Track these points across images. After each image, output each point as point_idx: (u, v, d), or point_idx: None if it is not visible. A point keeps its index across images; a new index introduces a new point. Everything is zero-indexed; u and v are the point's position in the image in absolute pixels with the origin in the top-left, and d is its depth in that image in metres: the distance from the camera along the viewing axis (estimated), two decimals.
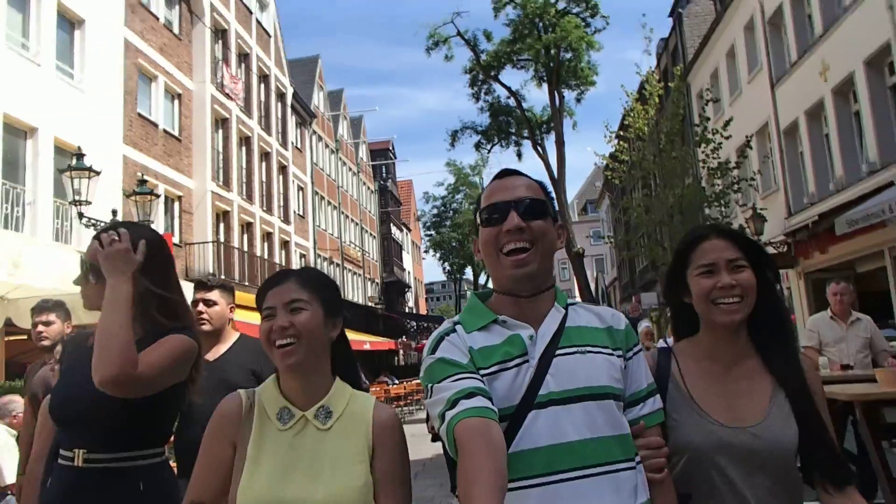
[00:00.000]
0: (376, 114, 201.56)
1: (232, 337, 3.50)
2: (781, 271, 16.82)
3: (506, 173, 1.70)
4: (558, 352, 1.54)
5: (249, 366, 3.27)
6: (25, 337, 8.21)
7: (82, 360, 2.08)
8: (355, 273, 38.10)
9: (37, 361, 4.59)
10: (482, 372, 1.51)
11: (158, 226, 16.01)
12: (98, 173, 9.80)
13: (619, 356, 1.60)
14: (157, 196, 12.28)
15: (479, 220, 1.67)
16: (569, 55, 28.00)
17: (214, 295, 3.47)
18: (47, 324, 4.37)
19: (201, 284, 3.52)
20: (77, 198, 9.62)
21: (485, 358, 1.53)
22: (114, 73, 16.15)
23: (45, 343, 4.29)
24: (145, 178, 11.96)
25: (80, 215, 9.74)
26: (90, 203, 9.77)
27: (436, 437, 1.85)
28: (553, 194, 1.73)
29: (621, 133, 18.93)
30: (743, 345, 1.78)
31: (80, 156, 9.77)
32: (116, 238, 2.05)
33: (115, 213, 10.56)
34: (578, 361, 1.53)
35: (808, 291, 18.24)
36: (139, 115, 17.17)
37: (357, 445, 1.63)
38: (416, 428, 19.30)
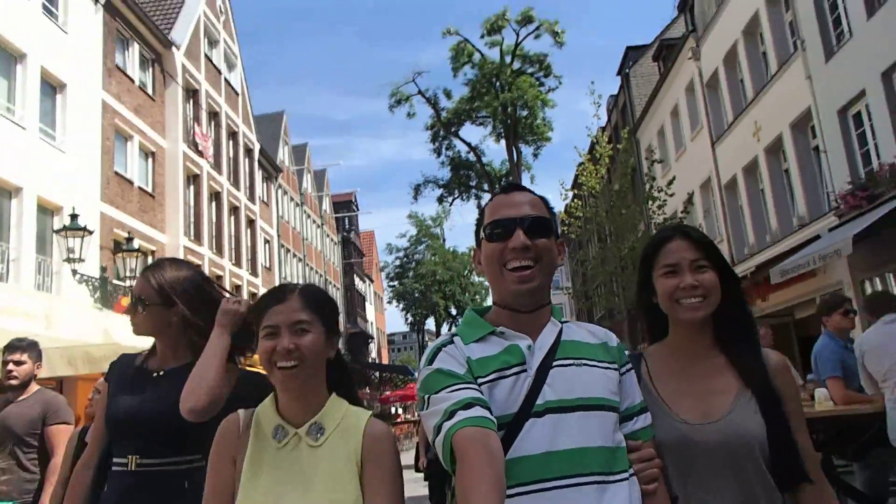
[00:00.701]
0: (334, 162, 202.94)
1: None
2: None
3: (511, 188, 1.72)
4: (555, 363, 1.56)
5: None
6: None
7: (137, 380, 2.43)
8: None
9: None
10: (480, 380, 1.53)
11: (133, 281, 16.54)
12: (91, 233, 10.49)
13: (615, 370, 1.63)
14: (144, 253, 12.93)
15: (482, 235, 1.67)
16: (525, 112, 29.52)
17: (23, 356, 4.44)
18: (18, 363, 4.48)
19: (10, 347, 4.47)
20: (71, 255, 10.27)
21: (483, 367, 1.55)
22: (92, 134, 16.83)
23: (13, 382, 4.38)
24: (131, 235, 12.59)
25: (74, 272, 10.38)
26: (83, 261, 10.42)
27: (422, 471, 2.08)
28: (555, 210, 1.73)
29: (575, 190, 20.22)
30: (709, 343, 1.82)
31: (73, 216, 10.48)
32: (238, 302, 2.37)
33: (104, 269, 11.18)
34: (575, 373, 1.55)
35: (774, 334, 19.48)
36: (116, 172, 17.82)
37: (348, 461, 1.64)
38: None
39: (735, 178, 19.24)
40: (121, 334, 5.88)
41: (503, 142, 29.89)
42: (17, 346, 4.49)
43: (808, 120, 15.06)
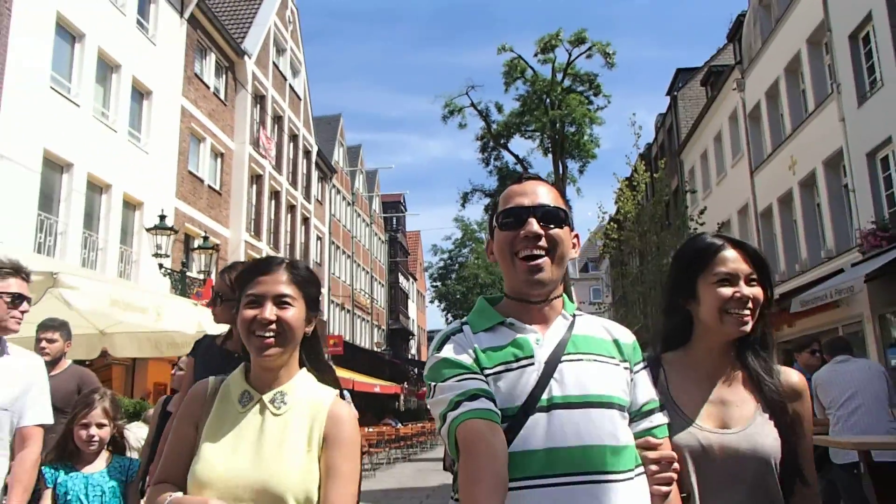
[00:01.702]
0: (384, 157, 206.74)
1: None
2: None
3: (526, 177, 1.70)
4: (564, 357, 1.54)
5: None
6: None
7: (220, 358, 2.78)
8: (364, 319, 40.11)
9: None
10: (486, 372, 1.52)
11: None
12: (176, 232, 11.98)
13: (626, 368, 1.60)
14: (217, 250, 14.42)
15: (495, 223, 1.66)
16: (573, 128, 30.42)
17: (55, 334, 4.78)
18: (51, 341, 4.81)
19: (43, 326, 4.81)
20: (158, 251, 11.79)
21: (489, 358, 1.54)
22: (171, 136, 18.49)
23: (46, 358, 4.43)
24: (206, 235, 14.08)
25: (160, 266, 11.88)
26: (168, 256, 11.92)
27: (449, 470, 1.91)
28: (570, 202, 1.69)
29: (614, 215, 21.30)
30: (732, 357, 1.81)
31: (162, 217, 11.98)
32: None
33: (184, 264, 12.67)
34: (584, 368, 1.53)
35: (779, 358, 20.17)
36: (189, 172, 19.48)
37: (308, 433, 1.66)
38: (422, 465, 21.09)
39: (770, 207, 19.97)
40: (207, 325, 7.17)
41: (550, 156, 30.83)
42: (49, 325, 4.84)
43: (839, 159, 15.80)
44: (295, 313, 1.69)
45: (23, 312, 2.85)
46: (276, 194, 26.02)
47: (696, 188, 23.61)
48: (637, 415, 1.59)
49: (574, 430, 1.45)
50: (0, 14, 12.30)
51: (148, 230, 12.28)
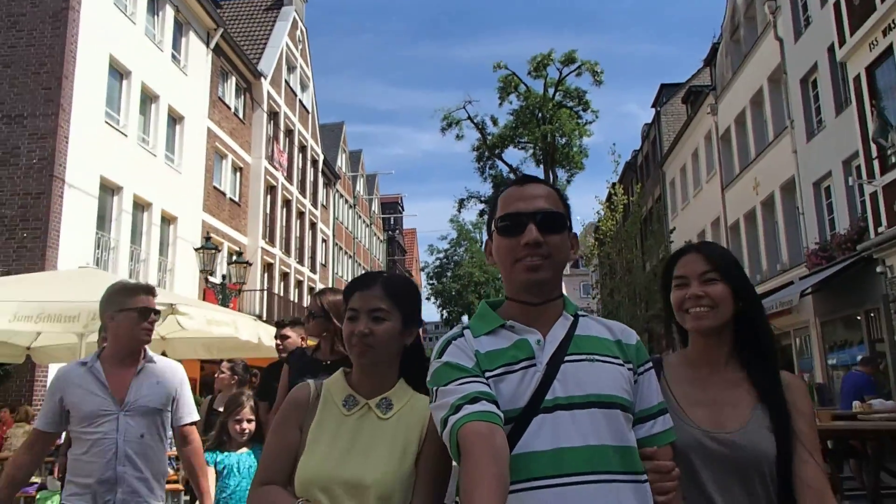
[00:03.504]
0: (377, 149, 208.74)
1: None
2: None
3: (525, 180, 1.68)
4: (566, 358, 1.53)
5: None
6: None
7: (313, 367, 3.19)
8: None
9: None
10: (487, 374, 1.51)
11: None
12: (219, 251, 14.06)
13: (629, 368, 1.58)
14: (251, 264, 16.52)
15: (494, 227, 1.65)
16: (563, 140, 32.62)
17: (287, 331, 4.93)
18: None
19: (279, 324, 5.17)
20: (206, 268, 13.88)
21: (491, 360, 1.54)
22: (199, 155, 20.55)
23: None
24: (241, 251, 16.15)
25: (206, 280, 13.95)
26: (213, 272, 14.01)
27: None
28: (569, 202, 1.71)
29: (594, 233, 23.63)
30: (726, 356, 1.83)
31: (207, 238, 14.06)
32: None
33: (225, 277, 14.79)
34: (586, 369, 1.52)
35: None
36: (214, 187, 21.54)
37: (410, 438, 1.71)
38: None
39: (738, 221, 22.18)
40: (263, 335, 9.32)
41: (542, 166, 33.01)
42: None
43: (793, 185, 18.01)
44: (388, 326, 1.75)
45: (151, 323, 3.06)
46: (287, 203, 28.09)
47: (666, 210, 25.96)
48: (640, 418, 1.57)
49: (579, 431, 1.45)
50: (66, 62, 14.33)
51: (196, 250, 14.36)
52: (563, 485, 1.41)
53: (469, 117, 32.87)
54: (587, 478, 1.41)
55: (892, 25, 12.51)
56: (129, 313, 2.98)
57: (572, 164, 32.25)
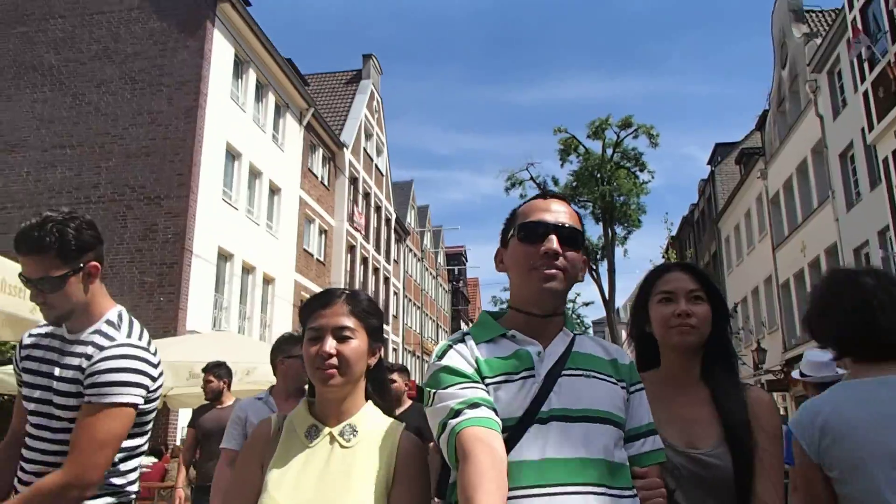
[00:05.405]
0: (440, 196, 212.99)
1: (405, 404, 5.18)
2: (778, 394, 22.32)
3: (549, 195, 1.71)
4: (564, 371, 1.55)
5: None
6: None
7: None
8: None
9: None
10: (487, 381, 1.53)
11: None
12: None
13: (622, 387, 1.61)
14: None
15: (512, 233, 1.66)
16: (621, 199, 34.32)
17: (395, 375, 5.15)
18: (207, 381, 6.05)
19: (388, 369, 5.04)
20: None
21: (491, 368, 1.55)
22: (292, 222, 23.19)
23: (208, 395, 5.97)
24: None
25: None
26: None
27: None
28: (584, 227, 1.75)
29: None
30: (696, 375, 1.88)
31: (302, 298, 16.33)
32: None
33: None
34: (583, 384, 1.55)
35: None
36: (304, 249, 24.12)
37: (378, 467, 1.64)
38: None
39: (788, 280, 23.48)
40: None
41: (600, 223, 34.74)
42: (208, 367, 6.02)
43: (836, 250, 19.40)
44: (355, 346, 1.67)
45: None
46: (364, 260, 30.60)
47: (722, 266, 27.22)
48: (631, 436, 1.59)
49: (571, 443, 1.46)
50: (195, 151, 17.06)
51: (297, 307, 16.64)
52: (548, 494, 1.42)
53: (532, 178, 34.97)
54: (575, 489, 1.43)
55: None
56: (296, 359, 3.46)
57: (630, 221, 33.85)
